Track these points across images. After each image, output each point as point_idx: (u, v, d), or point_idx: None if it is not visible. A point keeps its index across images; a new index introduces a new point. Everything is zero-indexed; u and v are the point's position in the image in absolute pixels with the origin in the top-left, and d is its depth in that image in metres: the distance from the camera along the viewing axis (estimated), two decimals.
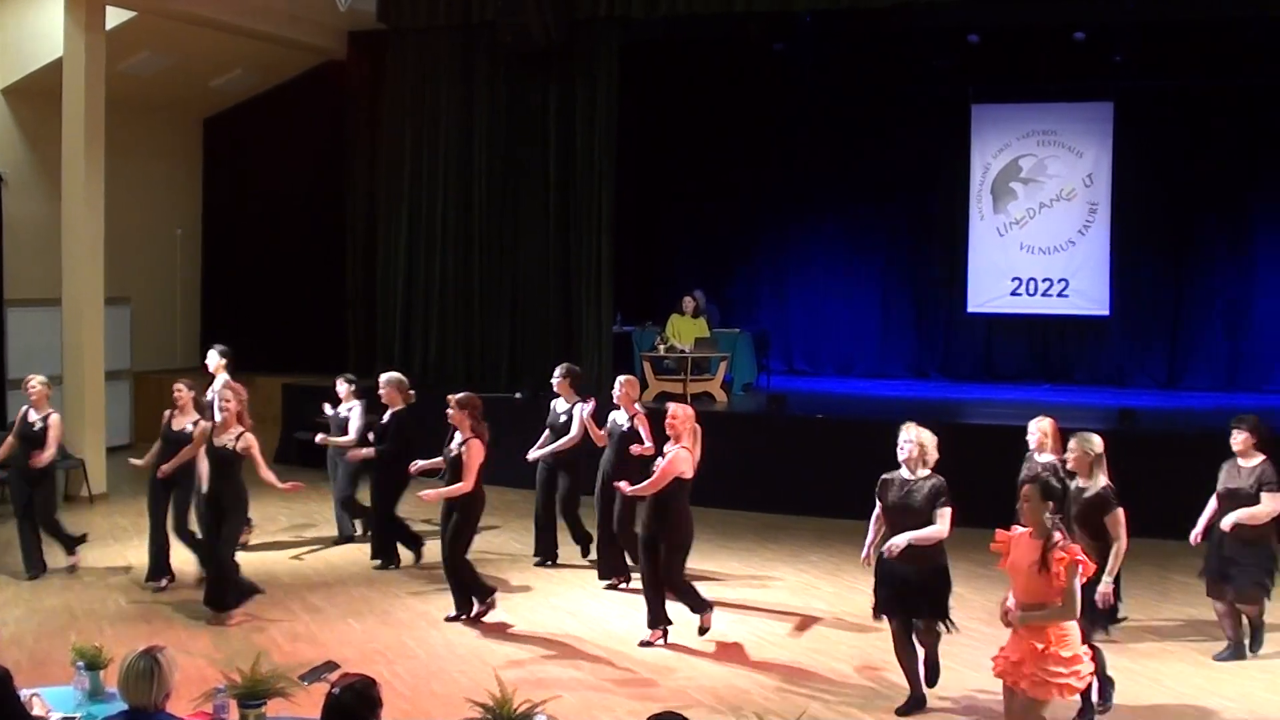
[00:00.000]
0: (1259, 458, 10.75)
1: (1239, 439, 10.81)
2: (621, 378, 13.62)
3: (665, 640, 11.35)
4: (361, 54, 21.54)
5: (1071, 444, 9.87)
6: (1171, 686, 10.35)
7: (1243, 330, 22.34)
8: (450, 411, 11.96)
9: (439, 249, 20.72)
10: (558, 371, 14.33)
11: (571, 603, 12.78)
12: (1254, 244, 22.25)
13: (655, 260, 24.19)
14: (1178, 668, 10.81)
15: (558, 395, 14.29)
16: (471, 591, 12.09)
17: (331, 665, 10.12)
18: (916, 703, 9.67)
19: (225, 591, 11.94)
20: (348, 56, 21.72)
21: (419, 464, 12.53)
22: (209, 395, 13.29)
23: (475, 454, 11.71)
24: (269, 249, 22.76)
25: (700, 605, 11.39)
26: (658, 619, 11.42)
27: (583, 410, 14.02)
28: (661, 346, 20.18)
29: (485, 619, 12.00)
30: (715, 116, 23.68)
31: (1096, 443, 9.77)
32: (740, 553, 15.11)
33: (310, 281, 22.39)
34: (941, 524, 9.33)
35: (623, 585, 13.19)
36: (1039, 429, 11.30)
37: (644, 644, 11.28)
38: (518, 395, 19.32)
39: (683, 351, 20.00)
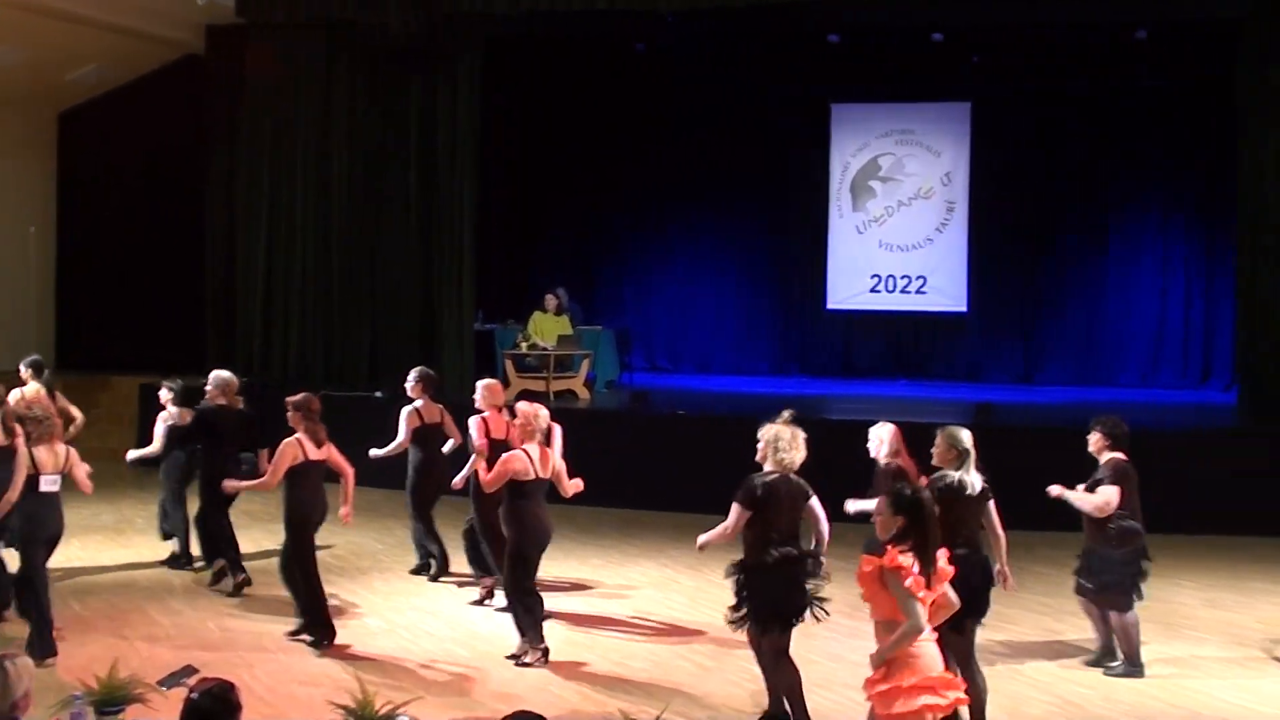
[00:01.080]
0: (1108, 456, 10.90)
1: (1092, 440, 10.96)
2: (481, 382, 13.40)
3: (545, 660, 10.89)
4: (220, 49, 21.26)
5: (937, 438, 9.55)
6: (1032, 677, 10.56)
7: (1097, 326, 22.84)
8: (288, 413, 11.65)
9: (299, 247, 20.54)
10: (411, 376, 14.14)
11: (435, 604, 12.72)
12: (1107, 242, 22.76)
13: (518, 258, 24.15)
14: (1036, 664, 11.02)
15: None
16: (303, 611, 11.48)
17: (190, 669, 9.94)
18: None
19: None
20: (206, 51, 21.44)
21: (230, 483, 11.99)
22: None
23: (282, 452, 11.20)
24: (126, 246, 22.41)
25: (530, 635, 10.89)
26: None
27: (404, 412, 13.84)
28: (524, 344, 20.17)
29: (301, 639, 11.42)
30: (579, 115, 23.73)
31: (963, 437, 9.42)
32: (602, 549, 15.17)
33: (169, 279, 22.09)
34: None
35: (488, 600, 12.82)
36: (878, 435, 11.31)
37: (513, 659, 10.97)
38: (378, 394, 19.20)
39: (545, 349, 20.00)
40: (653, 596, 13.15)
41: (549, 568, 12.44)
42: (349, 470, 11.74)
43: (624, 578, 13.92)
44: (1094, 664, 11.01)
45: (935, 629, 7.42)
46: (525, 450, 10.86)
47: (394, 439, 13.86)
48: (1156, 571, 13.36)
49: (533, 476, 10.81)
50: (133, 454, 14.30)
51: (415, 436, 13.72)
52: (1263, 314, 17.88)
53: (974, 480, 9.26)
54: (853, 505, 10.97)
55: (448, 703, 9.78)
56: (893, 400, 19.93)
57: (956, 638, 8.95)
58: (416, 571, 13.94)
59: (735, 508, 9.13)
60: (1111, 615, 10.89)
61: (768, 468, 9.29)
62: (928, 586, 7.21)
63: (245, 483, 11.69)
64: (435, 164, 19.99)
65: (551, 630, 11.43)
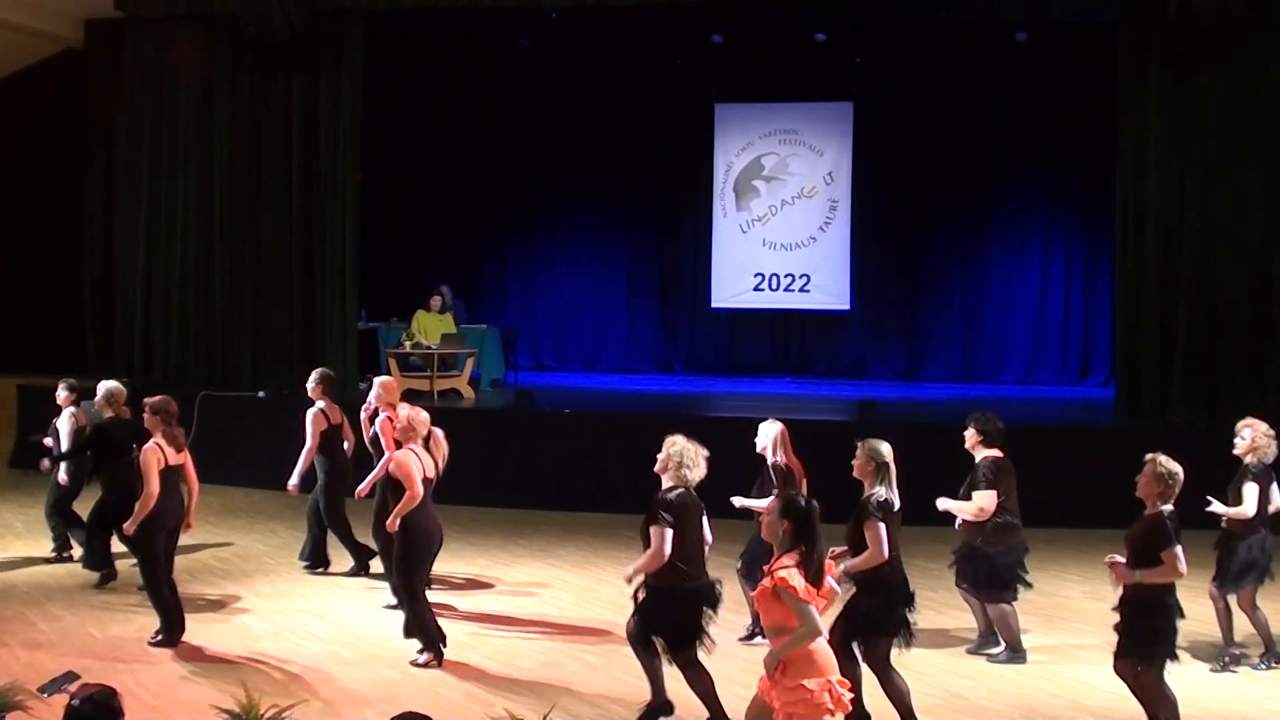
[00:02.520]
0: (984, 453, 11.01)
1: (968, 436, 11.09)
2: (377, 380, 13.33)
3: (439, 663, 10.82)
4: (99, 43, 20.91)
5: (858, 451, 9.39)
6: (918, 670, 10.65)
7: (978, 324, 23.13)
8: (144, 416, 11.45)
9: (179, 245, 20.24)
10: (313, 377, 13.99)
11: (320, 606, 12.60)
12: (988, 240, 23.07)
13: (401, 256, 24.02)
14: (921, 657, 11.12)
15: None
16: (160, 614, 11.31)
17: (72, 676, 9.77)
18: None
19: None
20: (85, 45, 21.09)
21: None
22: None
23: (147, 459, 10.99)
24: (2, 244, 21.98)
25: (422, 637, 10.84)
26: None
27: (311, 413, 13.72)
28: (407, 343, 20.07)
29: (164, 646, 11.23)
30: (463, 111, 23.63)
31: (883, 450, 9.30)
32: (489, 549, 15.10)
33: (46, 277, 21.68)
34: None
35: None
36: (765, 433, 11.38)
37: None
38: (261, 394, 19.04)
39: (429, 348, 19.91)
40: (540, 596, 13.13)
41: (436, 568, 12.40)
42: (194, 484, 11.65)
43: (511, 577, 13.88)
44: (974, 651, 11.19)
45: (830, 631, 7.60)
46: (413, 451, 10.79)
47: (301, 441, 13.68)
48: (1040, 564, 13.58)
49: (422, 478, 10.74)
50: (46, 462, 14.04)
51: (322, 439, 13.59)
52: (1140, 312, 18.16)
53: (895, 496, 9.25)
54: (739, 501, 11.09)
55: (333, 705, 9.71)
56: (777, 398, 20.03)
57: (873, 652, 9.10)
58: (354, 572, 13.83)
59: (660, 530, 9.07)
60: (989, 606, 11.06)
61: (669, 481, 9.30)
62: (816, 590, 7.39)
63: (139, 511, 11.26)
64: (317, 161, 19.79)
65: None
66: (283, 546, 15.01)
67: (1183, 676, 10.50)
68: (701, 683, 9.24)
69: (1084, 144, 21.62)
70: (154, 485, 10.95)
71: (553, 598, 13.07)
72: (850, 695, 7.49)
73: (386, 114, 22.07)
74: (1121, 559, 8.88)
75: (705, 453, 9.39)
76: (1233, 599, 11.02)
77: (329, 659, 10.92)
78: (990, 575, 11.00)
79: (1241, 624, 11.10)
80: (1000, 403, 18.99)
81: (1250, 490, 10.80)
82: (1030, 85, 21.77)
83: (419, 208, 24.24)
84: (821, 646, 7.37)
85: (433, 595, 12.19)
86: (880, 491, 9.19)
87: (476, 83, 23.34)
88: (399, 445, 11.06)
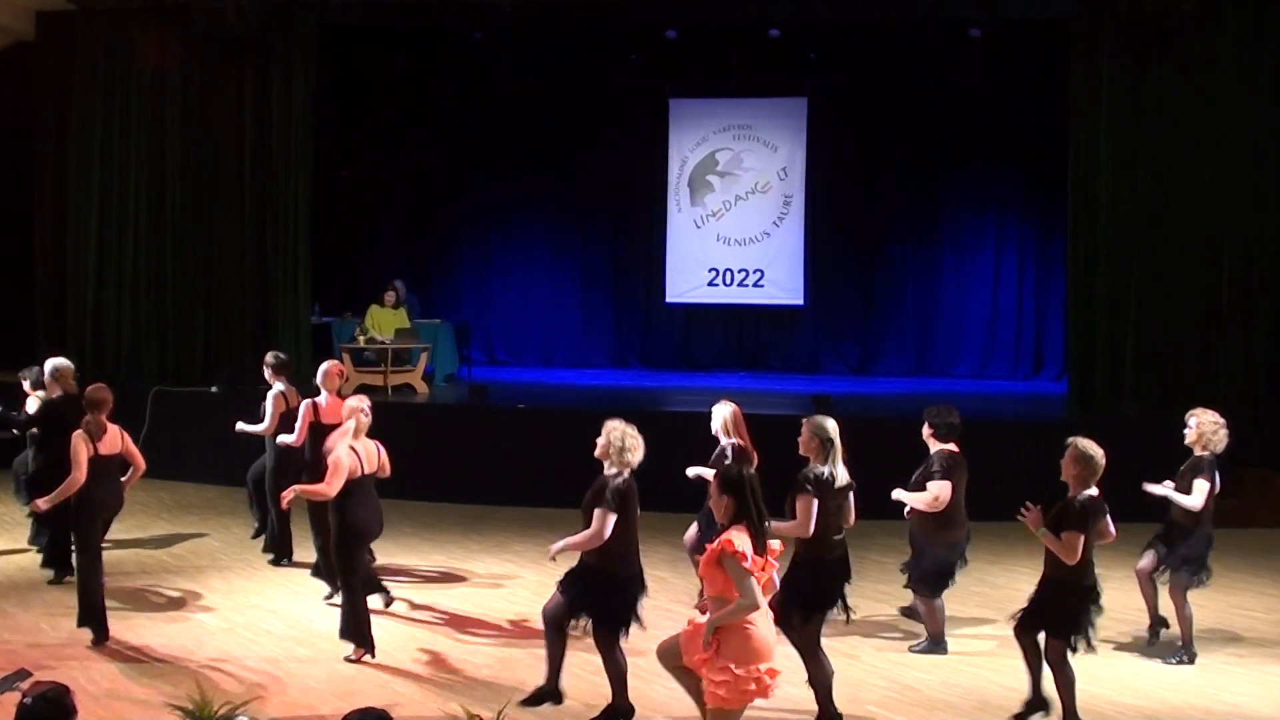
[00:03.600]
0: (938, 448, 11.08)
1: (924, 431, 11.17)
2: (324, 365, 13.30)
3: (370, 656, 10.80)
4: (51, 35, 20.73)
5: (804, 428, 9.51)
6: (870, 663, 10.71)
7: (931, 318, 23.21)
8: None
9: (131, 238, 20.12)
10: (269, 359, 13.99)
11: (274, 602, 12.55)
12: (942, 235, 23.15)
13: (355, 250, 23.93)
14: (874, 650, 11.19)
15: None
16: (82, 608, 11.17)
17: (24, 673, 9.70)
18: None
19: None
20: (37, 38, 20.92)
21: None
22: None
23: (75, 444, 10.93)
24: None
25: (353, 633, 10.77)
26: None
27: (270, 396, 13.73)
28: (361, 338, 20.00)
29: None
30: (417, 105, 23.57)
31: (828, 426, 9.41)
32: (444, 544, 15.08)
33: None
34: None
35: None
36: (719, 414, 11.48)
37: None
38: (214, 388, 18.96)
39: (382, 343, 19.85)
40: (495, 592, 13.12)
41: (390, 562, 12.40)
42: (139, 464, 11.65)
43: (466, 573, 13.86)
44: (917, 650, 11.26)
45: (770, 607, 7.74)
46: (352, 447, 10.70)
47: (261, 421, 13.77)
48: (994, 558, 13.72)
49: (360, 473, 10.64)
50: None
51: (280, 422, 13.58)
52: (1092, 306, 18.29)
53: (841, 473, 9.33)
54: (693, 471, 11.23)
55: (287, 702, 9.68)
56: (732, 392, 19.93)
57: (804, 627, 9.13)
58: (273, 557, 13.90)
59: (604, 513, 9.09)
60: (920, 599, 11.16)
61: (611, 467, 9.31)
62: (762, 562, 7.52)
63: (58, 493, 11.12)
64: (271, 154, 19.71)
65: (393, 627, 11.38)
66: (236, 542, 14.96)
67: (1132, 669, 10.63)
68: (617, 668, 9.37)
69: (1036, 139, 21.70)
70: (81, 472, 10.88)
71: (509, 593, 13.07)
72: (773, 681, 7.55)
73: (340, 107, 21.99)
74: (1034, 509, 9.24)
75: (641, 438, 9.40)
76: (1164, 587, 11.14)
77: (283, 655, 10.89)
78: (928, 571, 11.08)
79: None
80: (953, 397, 18.94)
81: (1200, 485, 10.89)
82: (983, 81, 21.85)
83: (372, 202, 24.16)
84: (760, 631, 7.47)
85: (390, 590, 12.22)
86: (819, 467, 9.29)
87: (430, 77, 23.29)
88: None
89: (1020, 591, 12.72)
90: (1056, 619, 9.26)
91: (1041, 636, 9.36)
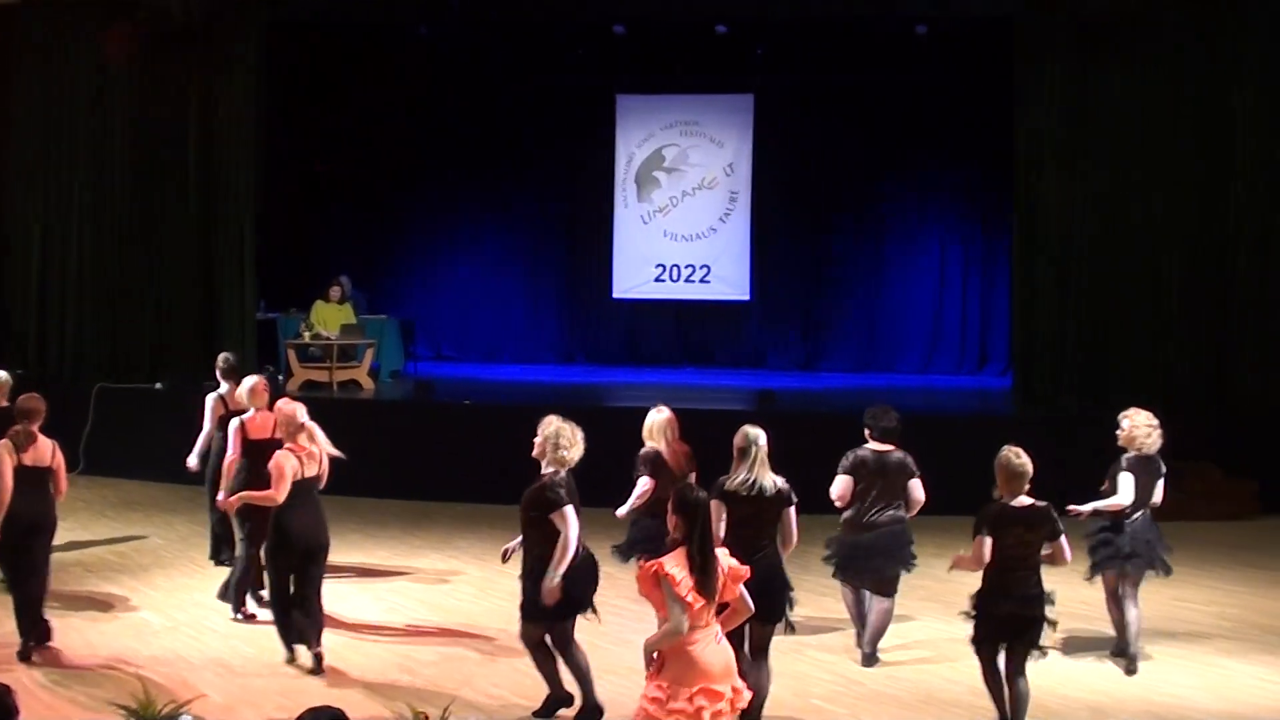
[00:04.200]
0: (890, 447, 11.07)
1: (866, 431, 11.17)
2: (246, 382, 13.05)
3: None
4: None
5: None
6: (815, 657, 10.75)
7: (877, 314, 23.31)
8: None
9: (75, 234, 19.93)
10: (221, 360, 13.87)
11: (218, 601, 12.42)
12: (887, 231, 23.24)
13: (300, 245, 23.76)
14: (821, 644, 11.22)
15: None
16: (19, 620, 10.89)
17: None
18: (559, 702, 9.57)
19: None
20: None
21: None
22: None
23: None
24: None
25: (287, 637, 10.70)
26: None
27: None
28: (307, 334, 19.91)
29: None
30: (363, 100, 23.41)
31: (746, 435, 9.28)
32: (388, 541, 15.05)
33: None
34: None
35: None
36: (647, 421, 11.42)
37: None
38: (158, 385, 18.85)
39: (328, 339, 19.77)
40: (440, 588, 13.10)
41: (334, 559, 12.33)
42: (63, 486, 11.10)
43: (410, 570, 13.84)
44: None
45: (728, 631, 7.63)
46: (291, 450, 10.57)
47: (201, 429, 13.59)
48: (937, 551, 13.70)
49: (299, 478, 10.53)
50: None
51: (221, 425, 13.46)
52: (1036, 302, 18.43)
53: (765, 481, 9.22)
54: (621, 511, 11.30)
55: (231, 701, 9.64)
56: (678, 388, 20.08)
57: (759, 640, 9.15)
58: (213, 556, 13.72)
59: (561, 514, 9.11)
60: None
61: (549, 466, 9.29)
62: (700, 590, 7.31)
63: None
64: (215, 149, 19.59)
65: (336, 625, 11.35)
66: (180, 540, 14.87)
67: (1076, 664, 10.70)
68: (578, 666, 9.38)
69: (981, 135, 21.76)
70: (6, 482, 10.52)
71: (452, 590, 13.05)
72: (736, 696, 7.46)
73: (285, 102, 21.86)
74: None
75: (581, 432, 9.38)
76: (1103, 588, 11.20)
77: (227, 653, 10.84)
78: (838, 559, 11.12)
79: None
80: (898, 392, 19.15)
81: (1124, 479, 10.91)
82: (929, 78, 21.98)
83: (318, 197, 24.02)
84: (701, 653, 7.30)
85: (330, 588, 12.14)
86: (737, 475, 9.20)
87: (376, 71, 23.15)
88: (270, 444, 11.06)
89: (963, 585, 12.79)
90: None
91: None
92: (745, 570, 7.64)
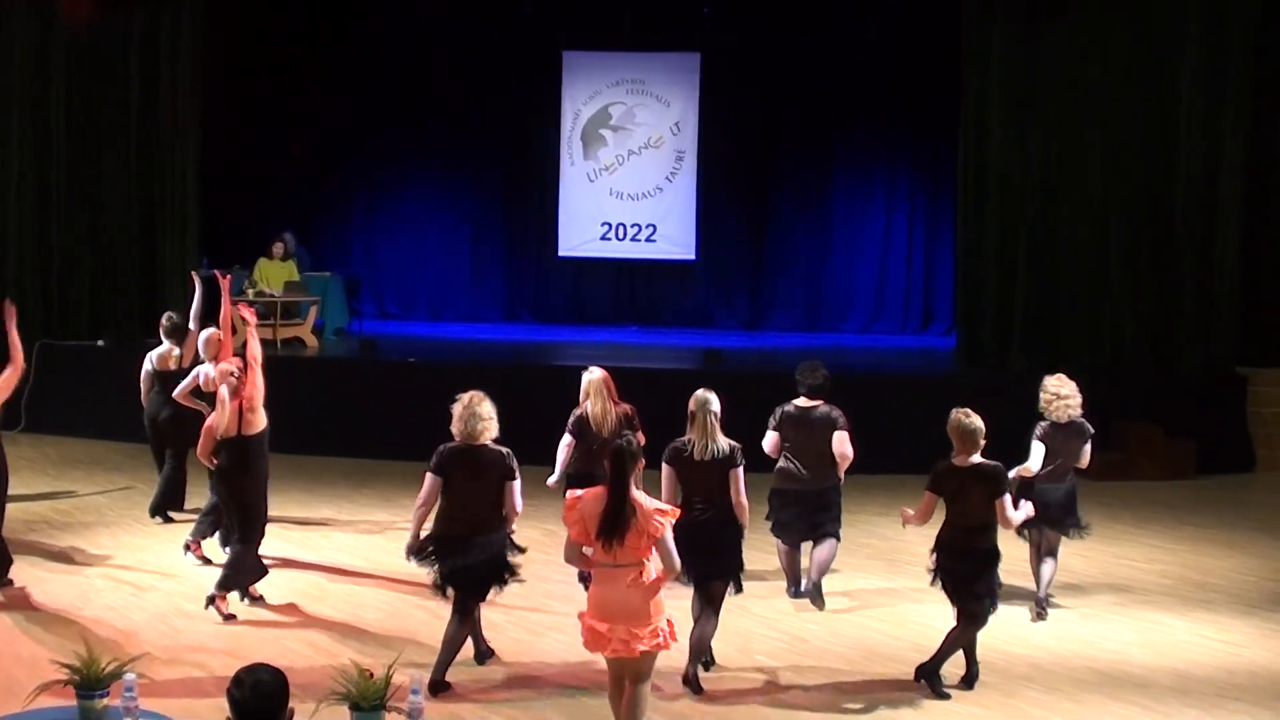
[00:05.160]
0: (817, 402, 11.14)
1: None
2: (202, 334, 13.06)
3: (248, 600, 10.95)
4: None
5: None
6: (760, 614, 10.81)
7: (822, 274, 23.39)
8: None
9: (14, 190, 19.68)
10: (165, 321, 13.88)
11: (161, 559, 12.40)
12: (832, 192, 23.30)
13: (243, 202, 23.59)
14: (764, 601, 11.28)
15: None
16: None
17: None
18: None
19: None
20: None
21: None
22: None
23: None
24: None
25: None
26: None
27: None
28: (250, 291, 19.79)
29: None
30: (306, 54, 23.22)
31: (698, 399, 9.47)
32: (333, 499, 15.03)
33: None
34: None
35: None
36: (583, 380, 11.45)
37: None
38: (100, 342, 18.72)
39: (272, 296, 19.67)
40: (385, 546, 13.06)
41: (278, 514, 12.33)
42: None
43: (355, 527, 13.82)
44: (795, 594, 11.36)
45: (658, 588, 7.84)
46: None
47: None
48: (881, 509, 13.90)
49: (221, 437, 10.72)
50: None
51: (161, 382, 13.48)
52: (981, 263, 18.51)
53: (715, 443, 9.34)
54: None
55: (176, 658, 9.60)
56: (623, 346, 20.11)
57: (705, 597, 9.29)
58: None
59: (519, 484, 9.33)
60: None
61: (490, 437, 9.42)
62: (600, 533, 7.67)
63: None
64: (157, 105, 19.41)
65: (282, 582, 11.33)
66: (123, 498, 14.81)
67: (1019, 619, 10.81)
68: (465, 630, 9.51)
69: (928, 98, 21.81)
70: None
71: (398, 548, 12.92)
72: (594, 639, 7.82)
73: (228, 58, 21.68)
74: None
75: (484, 406, 9.43)
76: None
77: (171, 611, 10.80)
78: (772, 514, 11.23)
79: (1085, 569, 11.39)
80: (843, 351, 19.26)
81: (1035, 447, 11.01)
82: (876, 39, 22.01)
83: (261, 153, 23.82)
84: (597, 587, 7.82)
85: (276, 545, 12.14)
86: (685, 438, 9.44)
87: (320, 27, 23.00)
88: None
89: (907, 543, 12.93)
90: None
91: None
92: (660, 528, 7.73)
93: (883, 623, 10.88)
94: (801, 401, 11.01)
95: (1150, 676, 9.76)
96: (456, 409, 9.36)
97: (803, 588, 11.25)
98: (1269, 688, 9.58)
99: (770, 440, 10.95)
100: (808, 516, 11.10)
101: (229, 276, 12.89)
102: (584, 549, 7.80)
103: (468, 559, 9.28)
